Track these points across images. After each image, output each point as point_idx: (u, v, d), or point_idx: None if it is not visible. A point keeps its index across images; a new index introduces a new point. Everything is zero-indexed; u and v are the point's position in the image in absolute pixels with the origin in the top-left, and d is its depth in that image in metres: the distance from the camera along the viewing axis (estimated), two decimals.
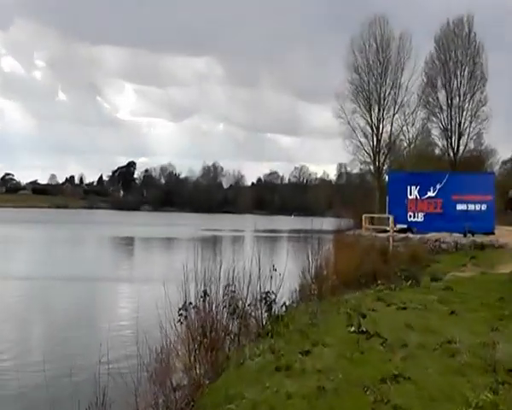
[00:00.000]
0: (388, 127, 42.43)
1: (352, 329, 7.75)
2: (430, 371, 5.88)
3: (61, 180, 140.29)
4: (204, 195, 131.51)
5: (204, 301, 7.95)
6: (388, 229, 25.10)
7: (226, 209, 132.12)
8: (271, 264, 9.42)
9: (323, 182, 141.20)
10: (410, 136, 42.78)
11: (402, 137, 43.13)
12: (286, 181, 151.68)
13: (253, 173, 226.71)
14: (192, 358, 7.31)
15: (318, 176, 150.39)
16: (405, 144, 43.55)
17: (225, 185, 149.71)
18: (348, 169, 68.65)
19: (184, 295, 7.91)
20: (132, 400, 6.09)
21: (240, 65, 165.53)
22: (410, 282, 13.12)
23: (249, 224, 55.24)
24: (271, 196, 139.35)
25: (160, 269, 22.98)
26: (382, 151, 42.56)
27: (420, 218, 26.82)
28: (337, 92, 42.46)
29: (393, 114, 41.88)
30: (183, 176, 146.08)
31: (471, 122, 40.60)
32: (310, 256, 12.73)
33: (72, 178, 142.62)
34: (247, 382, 5.95)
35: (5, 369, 9.81)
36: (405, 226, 26.33)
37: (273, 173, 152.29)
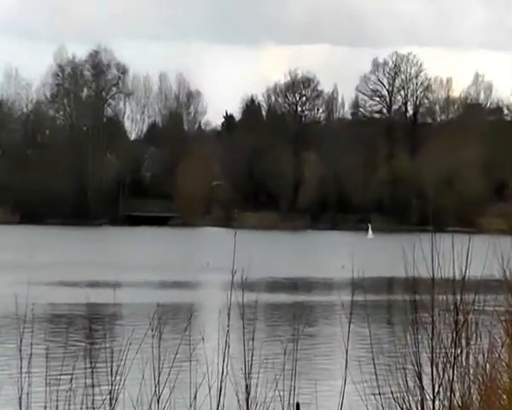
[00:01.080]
0: None
1: None
2: None
3: None
4: (60, 163, 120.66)
5: None
6: None
7: (138, 211, 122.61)
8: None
9: (475, 111, 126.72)
10: None
11: None
12: (346, 113, 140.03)
13: (231, 88, 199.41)
14: None
15: (455, 93, 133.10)
16: None
17: (134, 133, 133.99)
18: None
19: None
20: None
21: None
22: None
23: (219, 259, 52.19)
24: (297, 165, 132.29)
25: None
26: None
27: None
28: None
29: None
30: None
31: None
32: (427, 377, 12.11)
33: None
34: None
35: None
36: None
37: (299, 84, 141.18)
